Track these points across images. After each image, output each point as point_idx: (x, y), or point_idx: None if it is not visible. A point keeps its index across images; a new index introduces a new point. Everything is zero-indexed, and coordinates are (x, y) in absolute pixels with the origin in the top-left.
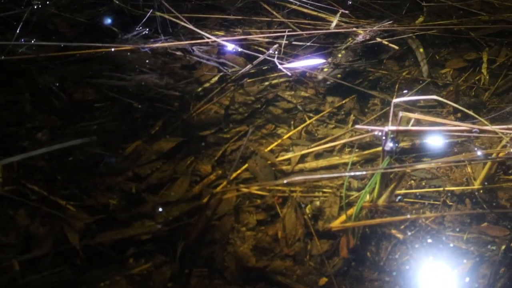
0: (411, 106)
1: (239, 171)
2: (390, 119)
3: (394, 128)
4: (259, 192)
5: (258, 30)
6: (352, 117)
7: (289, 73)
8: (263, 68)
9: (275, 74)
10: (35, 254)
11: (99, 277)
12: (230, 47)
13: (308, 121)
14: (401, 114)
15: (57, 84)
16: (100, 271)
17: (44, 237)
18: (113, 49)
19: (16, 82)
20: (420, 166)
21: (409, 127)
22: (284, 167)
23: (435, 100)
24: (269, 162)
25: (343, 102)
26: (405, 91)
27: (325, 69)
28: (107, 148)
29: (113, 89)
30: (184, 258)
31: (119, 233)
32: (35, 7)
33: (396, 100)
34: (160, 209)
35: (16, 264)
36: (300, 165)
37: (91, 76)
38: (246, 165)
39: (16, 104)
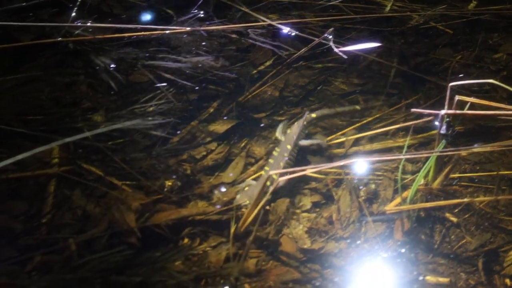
0: (464, 91)
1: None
2: (446, 102)
3: (450, 112)
4: (314, 175)
5: (312, 14)
6: (406, 101)
7: (344, 56)
8: (317, 51)
9: (330, 58)
10: (91, 234)
11: (156, 257)
12: (285, 30)
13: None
14: (457, 98)
15: (113, 66)
16: (157, 251)
17: (100, 217)
18: (168, 31)
19: (72, 63)
20: (475, 149)
21: (465, 111)
22: (338, 150)
23: (489, 84)
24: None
25: (398, 85)
26: (460, 75)
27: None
28: (163, 130)
29: (168, 71)
30: (239, 240)
31: (174, 213)
32: None
33: (452, 83)
34: (215, 191)
35: (72, 244)
36: (355, 148)
37: (147, 58)
38: None
39: (72, 85)
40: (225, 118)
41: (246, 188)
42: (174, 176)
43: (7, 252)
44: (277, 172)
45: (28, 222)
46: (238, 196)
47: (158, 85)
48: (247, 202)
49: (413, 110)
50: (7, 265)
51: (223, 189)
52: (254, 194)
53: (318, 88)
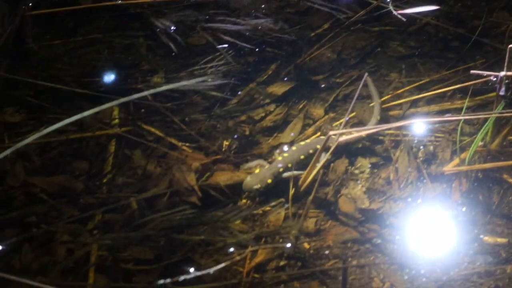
0: None
1: (352, 115)
2: (505, 64)
3: (509, 73)
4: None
5: None
6: (464, 63)
7: (403, 19)
8: (375, 14)
9: (387, 21)
10: (152, 193)
11: (219, 217)
12: None
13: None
14: None
15: (173, 28)
16: (219, 211)
17: (161, 177)
18: None
19: (132, 26)
20: None
21: None
22: (396, 112)
23: None
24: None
25: (455, 48)
26: None
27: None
28: (222, 91)
29: (227, 33)
30: (299, 200)
31: (234, 174)
32: None
33: None
34: (274, 151)
35: (134, 203)
36: (412, 110)
37: (206, 21)
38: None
39: (132, 48)
40: (285, 79)
41: (257, 171)
42: (233, 137)
43: (69, 210)
44: (336, 132)
45: (89, 181)
46: (248, 179)
47: (217, 47)
48: (259, 186)
49: (472, 71)
50: (69, 223)
51: (285, 149)
52: (266, 177)
53: (376, 50)
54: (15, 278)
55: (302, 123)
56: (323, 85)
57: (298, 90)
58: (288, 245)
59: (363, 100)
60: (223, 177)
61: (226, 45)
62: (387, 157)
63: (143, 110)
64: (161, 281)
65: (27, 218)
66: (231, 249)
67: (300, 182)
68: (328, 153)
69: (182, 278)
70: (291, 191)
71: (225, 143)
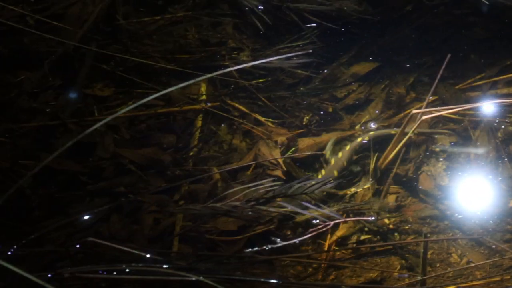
0: None
1: (434, 97)
2: None
3: None
4: (452, 116)
5: None
6: None
7: (486, 2)
8: None
9: (469, 4)
10: (236, 165)
11: (303, 190)
12: None
13: None
14: None
15: (260, 8)
16: (303, 184)
17: (246, 151)
18: None
19: (220, 5)
20: None
21: None
22: (475, 93)
23: None
24: (457, 87)
25: None
26: None
27: None
28: (306, 69)
29: (313, 13)
30: (380, 177)
31: (317, 146)
32: None
33: None
34: (357, 127)
35: (218, 176)
36: (492, 91)
37: (292, 1)
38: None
39: (219, 26)
40: (370, 58)
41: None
42: (315, 113)
43: (157, 182)
44: (419, 111)
45: (176, 154)
46: None
47: (303, 26)
48: None
49: None
50: (156, 194)
51: (372, 125)
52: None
53: (457, 33)
54: (107, 244)
55: (383, 102)
56: (405, 65)
57: (380, 70)
58: (370, 218)
59: (445, 81)
60: (308, 150)
61: (313, 25)
62: (466, 137)
63: (230, 87)
64: (248, 250)
65: (116, 188)
66: (314, 222)
67: (381, 160)
68: (411, 131)
69: (265, 248)
70: (373, 166)
71: (306, 117)
